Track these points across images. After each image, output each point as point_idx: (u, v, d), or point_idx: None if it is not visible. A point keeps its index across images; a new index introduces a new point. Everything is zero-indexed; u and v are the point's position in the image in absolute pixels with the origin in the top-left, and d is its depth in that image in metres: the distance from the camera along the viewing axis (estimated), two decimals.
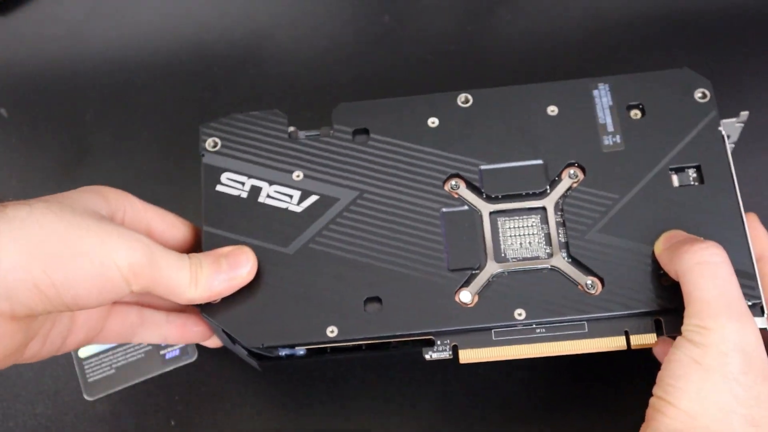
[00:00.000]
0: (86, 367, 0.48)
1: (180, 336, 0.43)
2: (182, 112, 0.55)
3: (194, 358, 0.49)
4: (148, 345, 0.49)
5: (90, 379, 0.48)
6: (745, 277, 0.39)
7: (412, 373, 0.48)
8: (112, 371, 0.48)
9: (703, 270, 0.36)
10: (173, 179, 0.53)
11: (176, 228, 0.42)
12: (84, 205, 0.36)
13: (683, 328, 0.36)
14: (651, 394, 0.36)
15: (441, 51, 0.56)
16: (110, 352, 0.49)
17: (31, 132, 0.55)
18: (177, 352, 0.49)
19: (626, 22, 0.57)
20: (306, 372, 0.48)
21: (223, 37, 0.57)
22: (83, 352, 0.48)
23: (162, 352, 0.49)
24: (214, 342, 0.44)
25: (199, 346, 0.49)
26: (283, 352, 0.41)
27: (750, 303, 0.37)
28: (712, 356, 0.34)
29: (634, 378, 0.45)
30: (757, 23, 0.56)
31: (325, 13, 0.58)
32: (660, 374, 0.36)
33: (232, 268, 0.39)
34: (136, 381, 0.48)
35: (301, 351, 0.42)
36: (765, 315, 0.38)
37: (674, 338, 0.37)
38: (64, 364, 0.49)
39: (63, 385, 0.48)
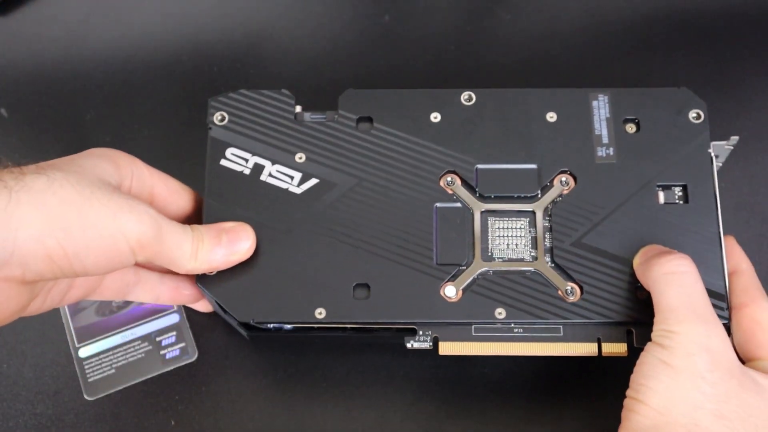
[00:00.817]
0: (86, 367, 0.48)
1: (172, 297, 0.44)
2: (182, 112, 0.55)
3: (194, 358, 0.49)
4: (149, 345, 0.49)
5: (90, 379, 0.48)
6: (716, 297, 0.40)
7: (413, 372, 0.48)
8: (112, 371, 0.48)
9: (670, 279, 0.38)
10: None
11: (178, 194, 0.43)
12: (97, 174, 0.37)
13: (653, 335, 0.37)
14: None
15: (441, 51, 0.56)
16: (110, 352, 0.49)
17: (31, 132, 0.55)
18: (177, 352, 0.49)
19: (626, 22, 0.57)
20: (307, 372, 0.48)
21: (223, 37, 0.57)
22: (83, 352, 0.48)
23: (162, 352, 0.49)
24: (203, 306, 0.46)
25: (199, 347, 0.49)
26: (271, 325, 0.43)
27: None
28: (679, 357, 0.36)
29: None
30: (757, 24, 0.56)
31: (325, 13, 0.58)
32: (632, 377, 0.37)
33: (232, 244, 0.41)
34: (136, 381, 0.48)
35: (288, 326, 0.43)
36: (731, 336, 0.39)
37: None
38: (64, 364, 0.49)
39: (63, 385, 0.48)
